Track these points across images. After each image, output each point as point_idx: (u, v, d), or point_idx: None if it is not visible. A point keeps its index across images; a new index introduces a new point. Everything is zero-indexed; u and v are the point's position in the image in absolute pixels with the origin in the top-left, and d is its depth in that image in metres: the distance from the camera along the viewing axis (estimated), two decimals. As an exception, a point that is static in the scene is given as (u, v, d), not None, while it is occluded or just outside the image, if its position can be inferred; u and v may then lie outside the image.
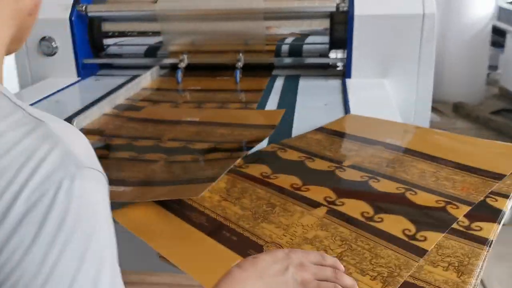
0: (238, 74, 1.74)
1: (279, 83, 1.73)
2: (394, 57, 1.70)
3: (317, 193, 0.89)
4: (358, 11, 1.67)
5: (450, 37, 3.97)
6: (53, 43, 1.84)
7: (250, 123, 1.31)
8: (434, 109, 3.63)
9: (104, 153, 1.16)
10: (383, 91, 1.61)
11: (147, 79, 1.77)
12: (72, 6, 1.82)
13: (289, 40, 1.91)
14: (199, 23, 1.81)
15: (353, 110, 1.39)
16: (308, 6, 1.75)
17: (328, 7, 1.73)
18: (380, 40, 1.69)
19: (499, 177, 0.94)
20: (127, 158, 1.12)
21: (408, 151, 1.08)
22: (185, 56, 1.82)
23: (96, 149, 0.54)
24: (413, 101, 1.74)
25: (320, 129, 1.21)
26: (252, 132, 1.23)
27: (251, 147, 1.10)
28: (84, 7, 1.83)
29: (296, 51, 1.91)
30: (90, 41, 1.93)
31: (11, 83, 2.02)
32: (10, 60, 1.95)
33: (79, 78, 1.86)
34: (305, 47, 1.90)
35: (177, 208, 0.87)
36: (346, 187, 0.94)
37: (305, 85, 1.72)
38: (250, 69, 1.81)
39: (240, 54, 1.79)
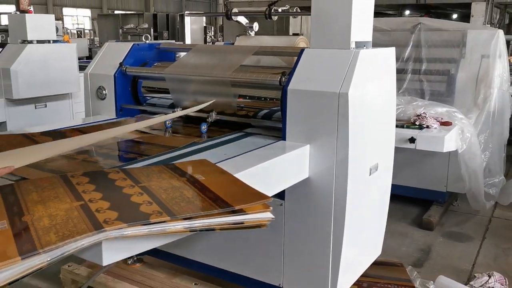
0: (203, 125, 2.24)
1: (228, 137, 2.17)
2: (317, 126, 1.99)
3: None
4: (291, 85, 2.03)
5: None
6: (104, 91, 2.61)
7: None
8: None
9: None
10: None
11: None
12: (118, 66, 2.58)
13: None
14: (187, 85, 2.38)
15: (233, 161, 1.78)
16: (261, 79, 2.17)
17: (274, 81, 2.12)
18: (307, 111, 2.00)
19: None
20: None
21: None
22: (178, 109, 2.40)
23: None
24: (332, 166, 1.98)
25: (168, 165, 1.66)
26: None
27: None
28: (125, 67, 2.56)
29: (269, 115, 2.32)
30: (132, 92, 2.66)
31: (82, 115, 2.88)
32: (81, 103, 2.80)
33: (116, 117, 2.59)
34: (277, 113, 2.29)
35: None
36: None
37: (244, 141, 2.13)
38: (224, 125, 2.30)
39: (213, 112, 2.29)
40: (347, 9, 2.00)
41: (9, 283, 1.01)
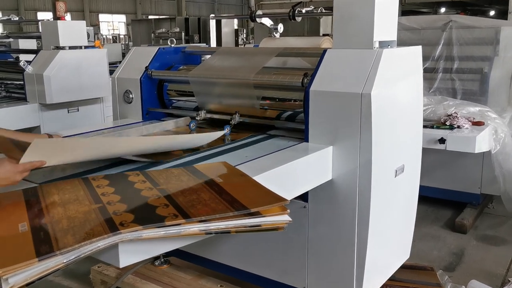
0: (227, 128, 2.24)
1: (251, 139, 2.17)
2: (340, 128, 1.96)
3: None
4: (313, 87, 2.01)
5: None
6: (130, 95, 2.65)
7: None
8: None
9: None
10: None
11: (170, 124, 2.41)
12: (144, 70, 2.61)
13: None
14: (211, 87, 2.38)
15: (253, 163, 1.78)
16: (283, 80, 2.16)
17: (296, 82, 2.10)
18: (329, 112, 1.98)
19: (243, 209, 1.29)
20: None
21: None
22: (202, 112, 2.41)
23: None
24: (356, 168, 1.95)
25: (187, 167, 1.66)
26: None
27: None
28: (150, 71, 2.59)
29: (292, 117, 2.30)
30: (158, 95, 2.69)
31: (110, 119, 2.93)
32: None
33: (142, 120, 2.62)
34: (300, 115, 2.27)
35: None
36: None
37: (267, 143, 2.12)
38: (247, 127, 2.30)
39: (236, 114, 2.29)
40: (369, 8, 1.97)
41: (27, 284, 1.04)
